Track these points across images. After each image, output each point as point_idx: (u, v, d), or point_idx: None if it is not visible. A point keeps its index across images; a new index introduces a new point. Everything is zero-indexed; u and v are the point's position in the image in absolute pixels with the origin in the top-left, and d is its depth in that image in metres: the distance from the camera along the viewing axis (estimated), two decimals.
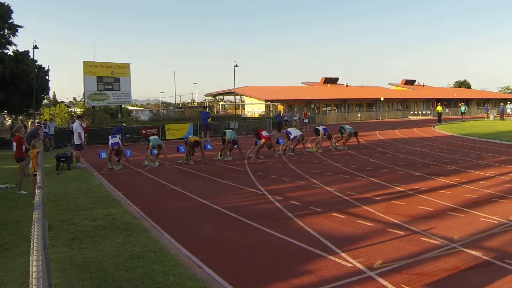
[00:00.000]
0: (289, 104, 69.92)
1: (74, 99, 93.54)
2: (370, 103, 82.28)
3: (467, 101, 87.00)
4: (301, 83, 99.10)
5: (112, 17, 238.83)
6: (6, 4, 38.27)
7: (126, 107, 59.04)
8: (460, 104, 69.63)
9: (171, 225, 10.02)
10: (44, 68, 43.02)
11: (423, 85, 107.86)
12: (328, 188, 13.66)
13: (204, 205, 12.07)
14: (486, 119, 60.61)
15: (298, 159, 21.51)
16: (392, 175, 15.90)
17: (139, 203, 12.43)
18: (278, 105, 67.28)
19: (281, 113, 52.28)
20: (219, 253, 8.07)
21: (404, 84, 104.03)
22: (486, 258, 7.37)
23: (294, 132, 23.88)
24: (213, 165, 20.23)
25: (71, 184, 15.90)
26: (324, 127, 25.91)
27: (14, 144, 14.71)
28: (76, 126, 21.86)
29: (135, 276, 6.81)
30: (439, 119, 54.88)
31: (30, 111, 42.58)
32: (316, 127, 26.43)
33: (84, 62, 43.38)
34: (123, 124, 37.65)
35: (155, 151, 20.86)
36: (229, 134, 22.15)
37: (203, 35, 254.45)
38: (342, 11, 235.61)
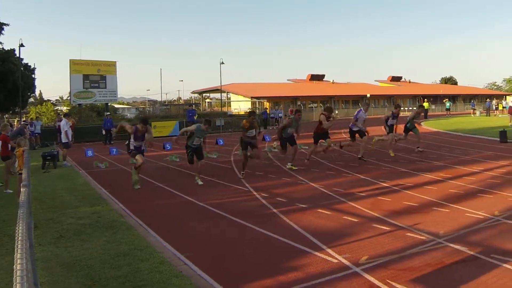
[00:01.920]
0: (275, 101, 69.80)
1: (61, 97, 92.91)
2: (356, 100, 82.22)
3: (453, 98, 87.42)
4: (287, 80, 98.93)
5: (98, 15, 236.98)
6: None
7: (113, 105, 58.71)
8: (444, 101, 69.86)
9: (157, 223, 10.02)
10: (30, 66, 42.88)
11: (409, 82, 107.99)
12: (314, 185, 13.69)
13: (190, 202, 12.07)
14: (472, 115, 60.93)
15: (284, 156, 21.50)
16: (378, 171, 15.95)
17: (125, 201, 12.41)
18: (264, 102, 67.32)
19: (267, 110, 52.35)
20: (205, 250, 8.10)
21: (391, 80, 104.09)
22: (471, 253, 7.44)
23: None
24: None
25: (57, 183, 15.85)
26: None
27: (0, 142, 14.63)
28: (63, 124, 21.83)
29: (121, 274, 6.83)
30: (425, 115, 55.09)
31: (16, 110, 42.35)
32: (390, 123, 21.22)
33: (70, 60, 42.88)
34: (107, 113, 37.71)
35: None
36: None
37: (189, 33, 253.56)
38: (328, 11, 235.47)
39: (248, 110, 19.48)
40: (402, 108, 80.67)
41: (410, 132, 21.31)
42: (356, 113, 19.46)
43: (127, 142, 15.04)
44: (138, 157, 14.25)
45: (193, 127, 15.19)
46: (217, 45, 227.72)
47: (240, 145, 16.34)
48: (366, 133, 18.95)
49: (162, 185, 14.64)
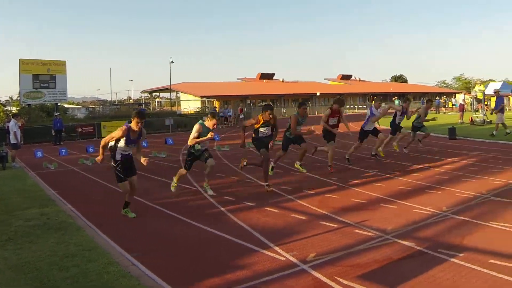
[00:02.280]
0: (225, 100, 70.26)
1: (11, 97, 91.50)
2: (306, 98, 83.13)
3: (403, 95, 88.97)
4: (237, 78, 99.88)
5: (48, 13, 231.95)
6: None
7: (62, 105, 58.05)
8: (393, 99, 71.06)
9: (106, 223, 9.93)
10: None
11: (360, 80, 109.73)
12: (262, 183, 13.72)
13: (139, 202, 11.95)
14: None
15: (233, 154, 21.60)
16: (327, 169, 16.00)
17: (74, 201, 12.24)
18: (214, 101, 67.55)
19: (217, 109, 52.61)
20: (154, 250, 8.07)
21: (341, 79, 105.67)
22: (419, 248, 7.59)
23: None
24: (149, 163, 19.87)
25: (6, 184, 15.53)
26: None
27: None
28: (12, 125, 21.54)
29: (70, 275, 6.77)
30: None
31: None
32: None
33: (20, 59, 42.54)
34: (57, 113, 37.32)
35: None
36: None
37: (139, 32, 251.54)
38: (278, 11, 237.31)
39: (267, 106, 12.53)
40: (349, 106, 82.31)
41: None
42: (368, 110, 18.15)
43: (111, 149, 10.64)
44: (127, 183, 10.55)
45: (197, 127, 12.13)
46: (167, 44, 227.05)
47: (255, 146, 13.51)
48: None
49: (111, 185, 14.44)
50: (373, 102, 18.52)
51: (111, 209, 11.43)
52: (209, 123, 12.02)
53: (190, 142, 12.26)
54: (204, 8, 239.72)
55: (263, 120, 12.98)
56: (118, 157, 10.43)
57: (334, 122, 16.00)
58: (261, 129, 13.07)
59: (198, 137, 12.09)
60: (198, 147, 12.26)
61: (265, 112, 12.93)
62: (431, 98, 23.49)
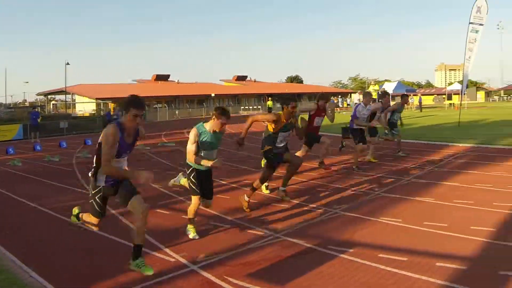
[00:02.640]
0: (121, 102, 69.48)
1: None
2: (201, 99, 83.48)
3: (299, 96, 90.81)
4: (132, 80, 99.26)
5: None
6: None
7: None
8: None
9: None
10: None
11: (255, 81, 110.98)
12: (152, 184, 13.64)
13: (33, 208, 11.54)
14: None
15: (132, 156, 21.32)
16: (218, 169, 16.04)
17: None
18: (109, 103, 66.83)
19: (111, 112, 52.06)
20: (46, 256, 7.87)
21: (236, 80, 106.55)
22: (309, 245, 7.81)
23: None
24: (43, 166, 19.51)
25: None
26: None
27: None
28: None
29: None
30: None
31: None
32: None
33: None
34: None
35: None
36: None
37: (35, 33, 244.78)
38: (172, 11, 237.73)
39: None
40: (248, 107, 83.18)
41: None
42: (354, 108, 16.21)
43: (92, 170, 6.87)
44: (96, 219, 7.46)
45: (193, 133, 8.38)
46: (63, 46, 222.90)
47: (265, 158, 10.87)
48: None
49: (3, 191, 13.90)
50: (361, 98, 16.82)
51: (4, 217, 11.00)
52: (213, 124, 8.35)
53: (189, 159, 8.71)
54: (98, 9, 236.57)
55: (285, 121, 10.25)
56: (102, 183, 6.93)
57: (319, 124, 14.25)
58: (280, 134, 10.45)
59: (198, 147, 8.51)
60: (203, 166, 8.66)
61: (287, 108, 10.05)
62: (405, 94, 21.79)
